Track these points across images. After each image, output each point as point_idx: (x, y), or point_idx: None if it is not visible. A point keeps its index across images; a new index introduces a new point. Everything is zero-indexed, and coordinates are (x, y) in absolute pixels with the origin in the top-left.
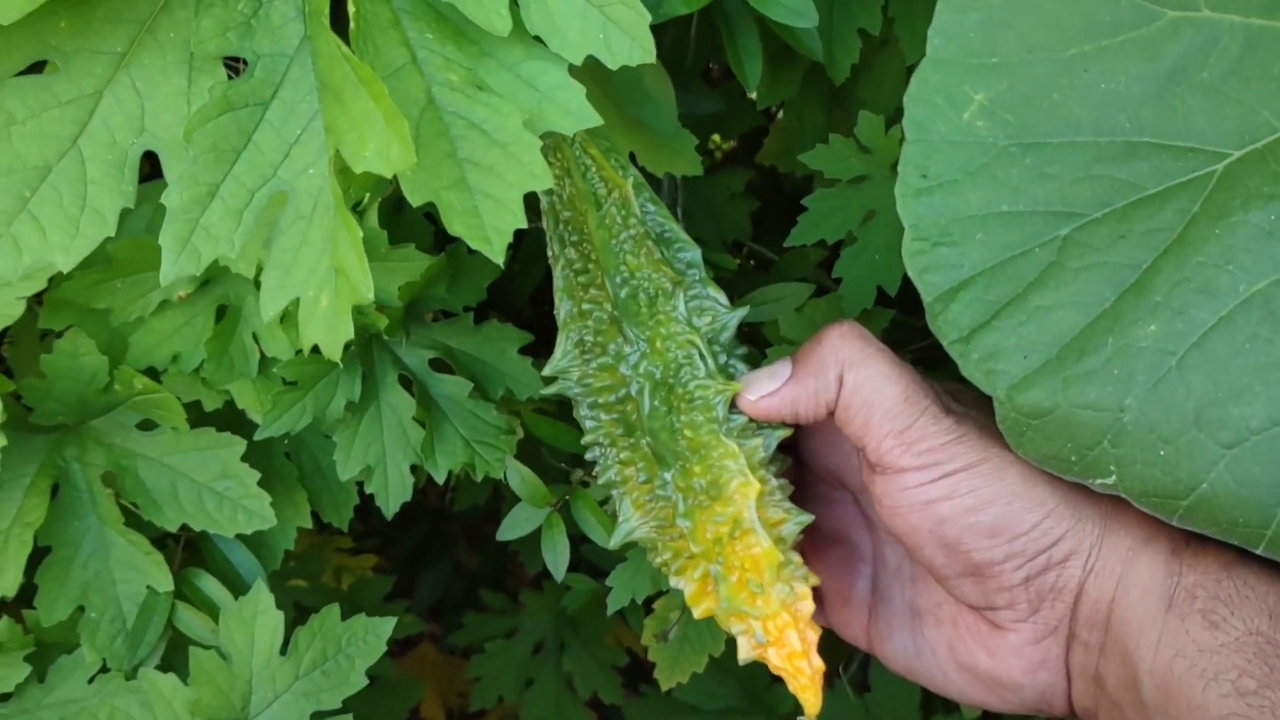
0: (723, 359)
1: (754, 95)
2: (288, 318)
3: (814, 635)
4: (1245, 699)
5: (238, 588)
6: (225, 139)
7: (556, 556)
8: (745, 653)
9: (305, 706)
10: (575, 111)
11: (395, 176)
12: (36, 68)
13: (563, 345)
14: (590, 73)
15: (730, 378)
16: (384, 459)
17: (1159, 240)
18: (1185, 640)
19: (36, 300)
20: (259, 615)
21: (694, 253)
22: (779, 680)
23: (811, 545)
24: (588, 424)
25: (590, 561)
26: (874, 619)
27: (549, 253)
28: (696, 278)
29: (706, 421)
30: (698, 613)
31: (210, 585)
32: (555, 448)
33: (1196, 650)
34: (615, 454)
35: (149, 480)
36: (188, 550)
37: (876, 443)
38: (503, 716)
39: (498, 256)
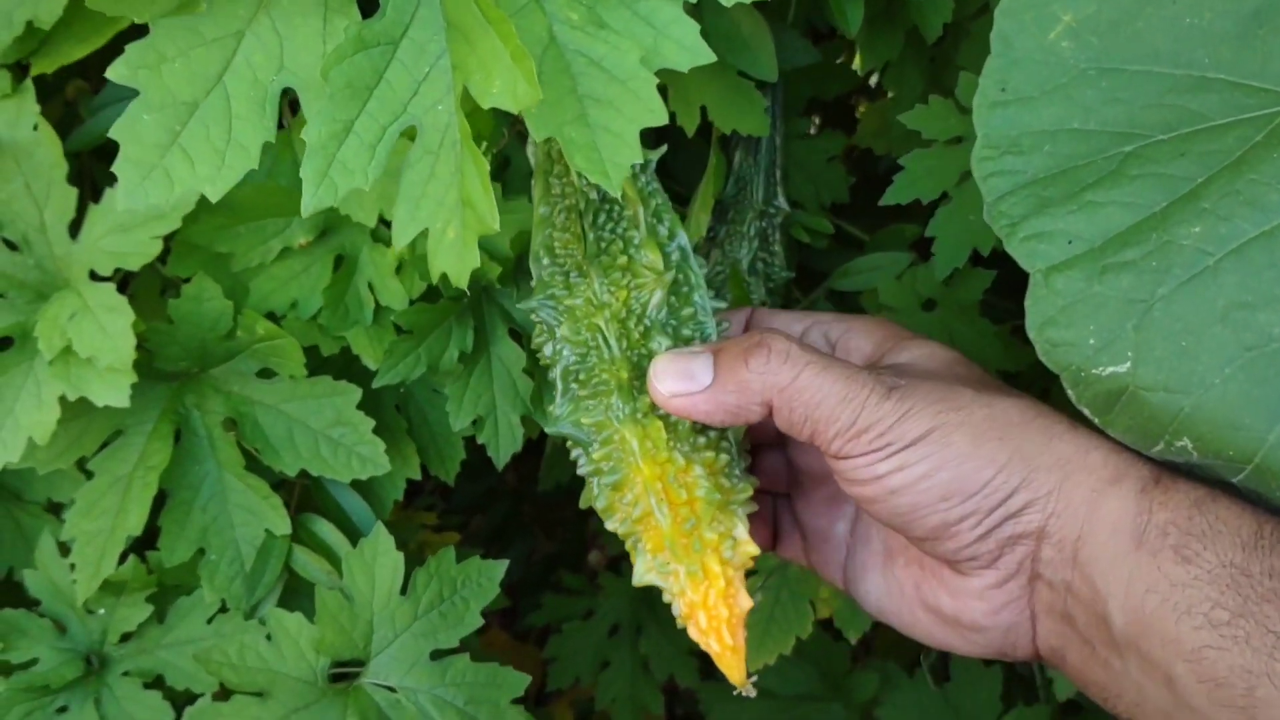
0: (641, 330)
1: (856, 61)
2: (403, 267)
3: (726, 612)
4: (1218, 630)
5: (351, 534)
6: (360, 77)
7: None
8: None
9: (424, 645)
10: (690, 47)
11: (504, 130)
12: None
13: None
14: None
15: (648, 353)
16: (494, 410)
17: (1217, 160)
18: (1157, 575)
19: (160, 259)
20: (380, 556)
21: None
22: (858, 666)
23: (798, 486)
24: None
25: None
26: (851, 558)
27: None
28: (635, 241)
29: (605, 408)
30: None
31: (325, 530)
32: None
33: (1169, 585)
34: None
35: (267, 426)
36: (303, 498)
37: (827, 443)
38: (575, 699)
39: (615, 189)
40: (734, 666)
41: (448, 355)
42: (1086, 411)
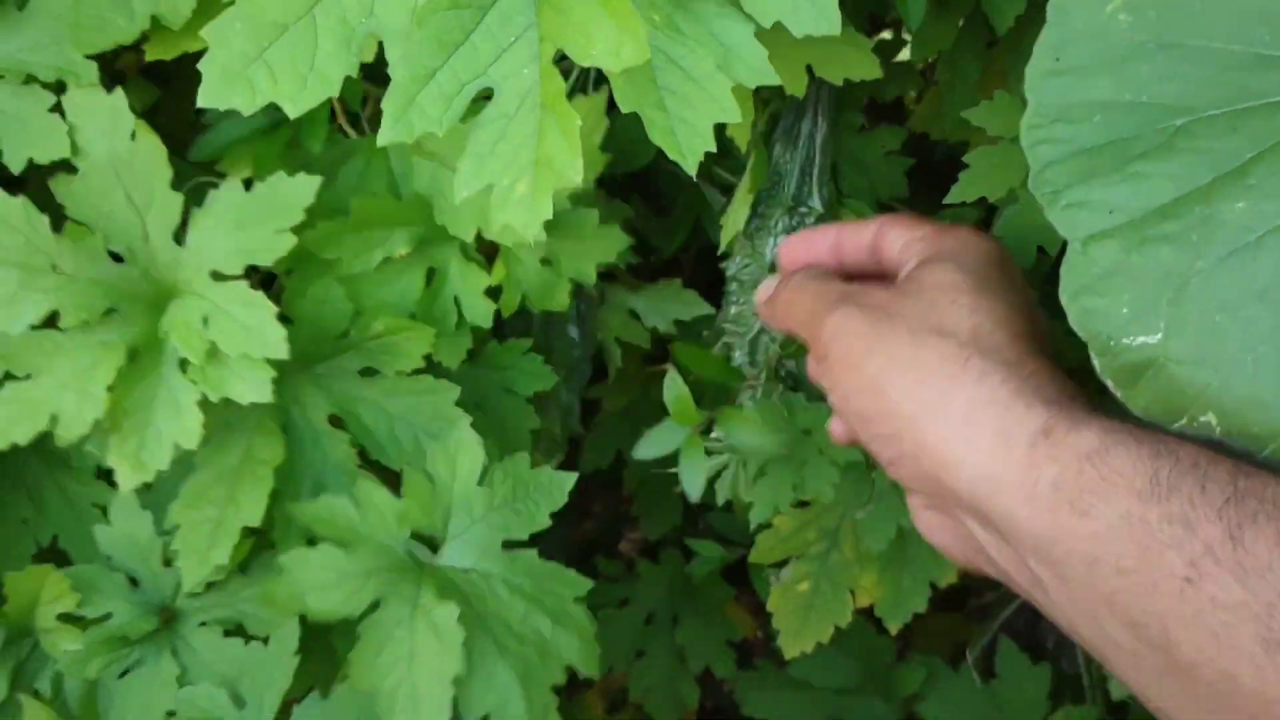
0: None
1: (907, 52)
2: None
3: None
4: (1126, 578)
5: None
6: (447, 32)
7: (694, 477)
8: None
9: (497, 535)
10: (757, 68)
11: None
12: None
13: None
14: None
15: None
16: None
17: (1269, 138)
18: (1058, 530)
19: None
20: (461, 448)
21: None
22: (903, 659)
23: None
24: None
25: (717, 530)
26: None
27: None
28: None
29: None
30: None
31: None
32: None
33: (1073, 539)
34: None
35: (371, 422)
36: None
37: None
38: (608, 688)
39: (691, 170)
40: None
41: None
42: (1110, 384)
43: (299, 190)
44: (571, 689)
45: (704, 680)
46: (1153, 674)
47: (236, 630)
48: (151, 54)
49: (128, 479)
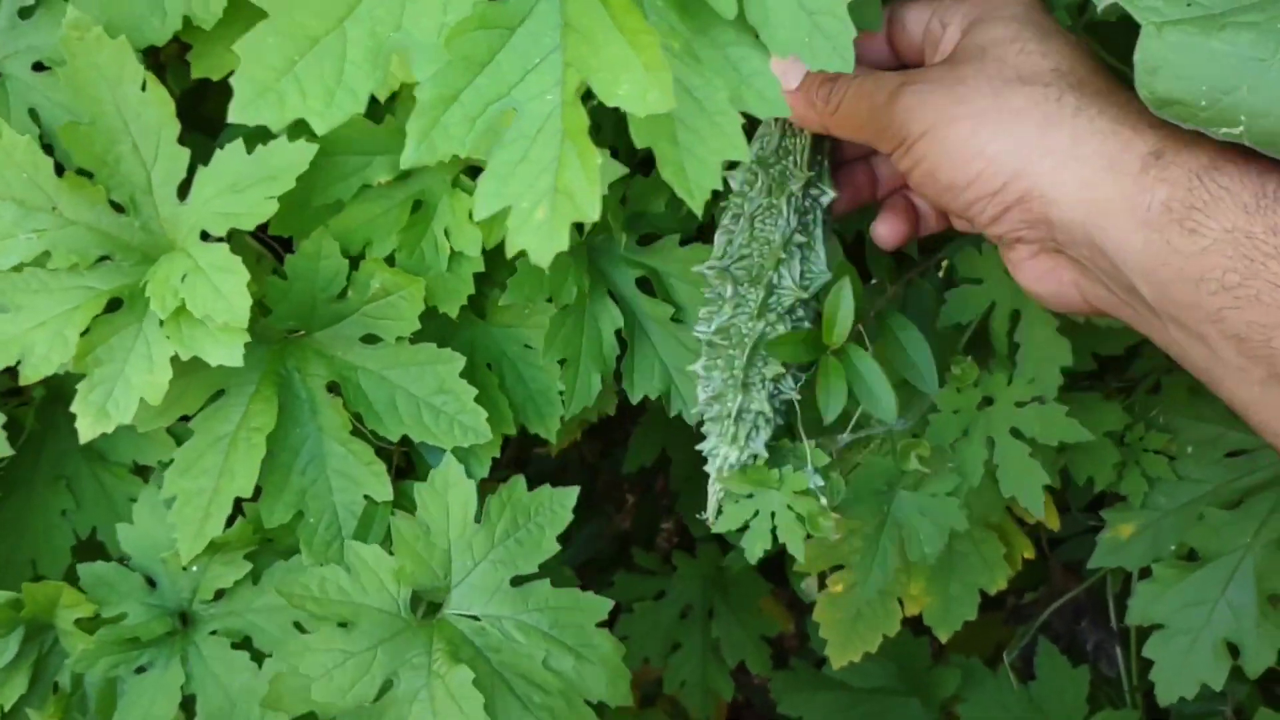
0: None
1: None
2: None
3: None
4: (1232, 292)
5: None
6: (474, 52)
7: (830, 400)
8: None
9: (503, 573)
10: (770, 100)
11: None
12: None
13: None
14: None
15: None
16: (579, 359)
17: None
18: (1167, 250)
19: None
20: (451, 486)
21: None
22: (940, 662)
23: None
24: None
25: None
26: None
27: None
28: None
29: None
30: None
31: None
32: None
33: (1181, 258)
34: None
35: (370, 392)
36: (402, 464)
37: (869, 143)
38: (642, 681)
39: (698, 209)
40: None
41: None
42: None
43: (295, 157)
44: None
45: (738, 675)
46: (1258, 386)
47: (244, 644)
48: (197, 71)
49: (88, 428)
